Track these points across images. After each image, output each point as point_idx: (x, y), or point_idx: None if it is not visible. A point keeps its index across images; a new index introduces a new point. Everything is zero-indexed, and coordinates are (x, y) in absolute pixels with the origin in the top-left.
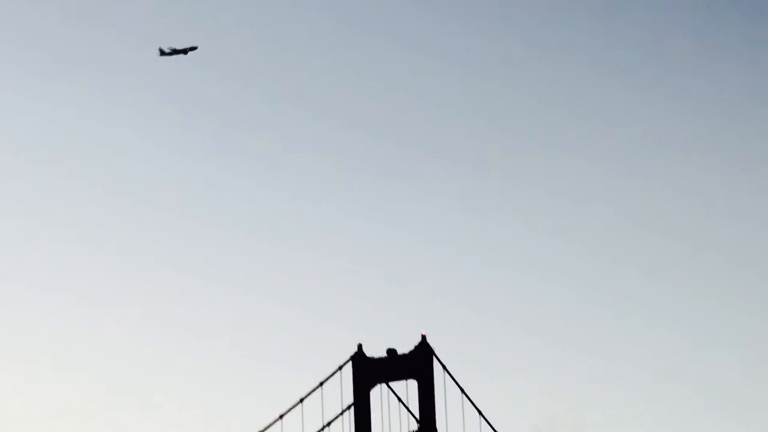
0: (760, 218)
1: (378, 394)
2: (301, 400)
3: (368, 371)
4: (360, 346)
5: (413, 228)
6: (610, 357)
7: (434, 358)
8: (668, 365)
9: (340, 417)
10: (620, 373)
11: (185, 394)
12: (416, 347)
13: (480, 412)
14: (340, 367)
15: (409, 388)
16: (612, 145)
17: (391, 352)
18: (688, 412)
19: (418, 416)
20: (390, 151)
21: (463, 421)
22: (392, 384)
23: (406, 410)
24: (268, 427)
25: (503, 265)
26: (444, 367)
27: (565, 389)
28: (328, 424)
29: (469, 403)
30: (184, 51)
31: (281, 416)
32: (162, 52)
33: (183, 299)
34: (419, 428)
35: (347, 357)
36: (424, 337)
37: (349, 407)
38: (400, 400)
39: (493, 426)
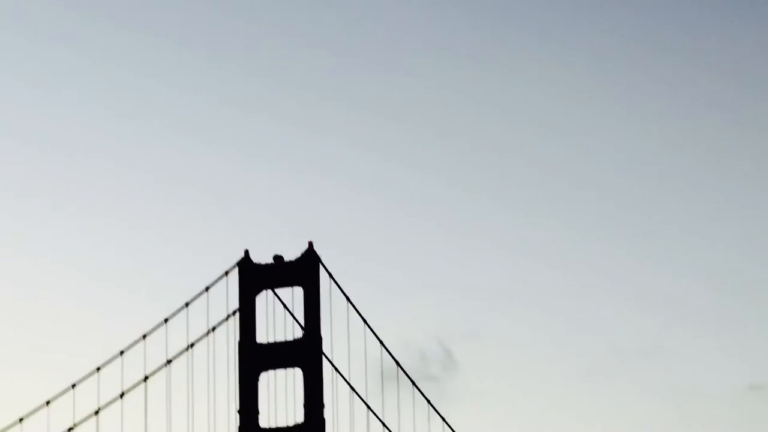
0: None
1: (264, 300)
2: (186, 305)
3: (254, 277)
4: (247, 252)
5: (302, 134)
6: (511, 267)
7: (321, 265)
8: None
9: (225, 322)
10: (524, 280)
11: (75, 296)
12: (303, 255)
13: (365, 321)
14: (227, 273)
15: (295, 295)
16: None
17: (277, 258)
18: None
19: (303, 323)
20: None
21: (348, 329)
22: (278, 291)
23: (291, 317)
24: (152, 330)
25: (393, 173)
26: (330, 275)
27: (464, 299)
28: (213, 329)
29: (355, 312)
30: None
31: (166, 320)
32: None
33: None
34: (303, 335)
35: (233, 263)
36: (311, 245)
37: (234, 313)
38: (285, 306)
39: (379, 336)
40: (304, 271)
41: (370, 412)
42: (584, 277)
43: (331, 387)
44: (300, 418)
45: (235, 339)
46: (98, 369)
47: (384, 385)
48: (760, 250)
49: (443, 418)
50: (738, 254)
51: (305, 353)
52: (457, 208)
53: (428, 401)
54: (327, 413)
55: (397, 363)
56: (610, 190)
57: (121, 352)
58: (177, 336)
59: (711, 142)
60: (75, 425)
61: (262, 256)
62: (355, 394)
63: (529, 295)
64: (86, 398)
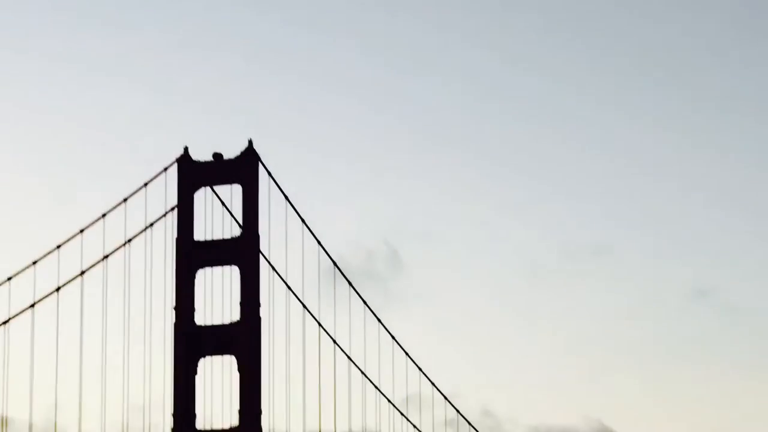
0: None
1: (202, 197)
2: (125, 200)
3: (193, 174)
4: (186, 149)
5: (244, 30)
6: (459, 168)
7: (260, 163)
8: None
9: (163, 218)
10: (473, 181)
11: (11, 189)
12: (242, 152)
13: (302, 220)
14: (165, 169)
15: (233, 193)
16: None
17: (217, 156)
18: None
19: (241, 222)
20: None
21: (286, 228)
22: (217, 188)
23: (229, 215)
24: (90, 224)
25: (340, 68)
26: (269, 173)
27: (412, 200)
28: (151, 224)
29: (293, 210)
30: None
31: (104, 215)
32: None
33: None
34: (241, 233)
35: (173, 159)
36: (250, 143)
37: (172, 209)
38: (223, 204)
39: (318, 236)
40: (243, 168)
41: (306, 311)
42: (533, 177)
43: (268, 286)
44: (236, 316)
45: (172, 236)
46: (34, 263)
47: (325, 285)
48: (714, 157)
49: (378, 319)
50: (691, 161)
51: (242, 251)
52: (405, 107)
53: (364, 301)
54: (263, 312)
55: (334, 263)
56: (564, 94)
57: (58, 247)
58: (115, 231)
59: None
60: (10, 319)
61: (201, 154)
62: (291, 293)
63: (478, 196)
64: (22, 293)
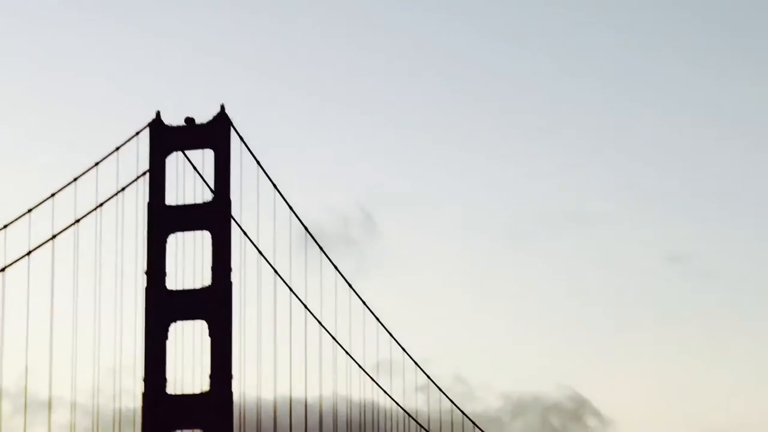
0: None
1: (174, 162)
2: (96, 164)
3: (165, 139)
4: (158, 114)
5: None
6: (434, 132)
7: (232, 128)
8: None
9: (135, 183)
10: (447, 145)
11: None
12: (214, 117)
13: (275, 186)
14: (137, 133)
15: (205, 158)
16: None
17: (189, 120)
18: None
19: (213, 187)
20: None
21: (258, 193)
22: (189, 153)
23: (201, 180)
24: (61, 188)
25: (308, 38)
26: (241, 138)
27: (388, 165)
28: (123, 189)
29: (265, 176)
30: None
31: (75, 179)
32: None
33: None
34: (213, 198)
35: (145, 124)
36: (222, 108)
37: (144, 174)
38: (195, 169)
39: (288, 200)
40: (214, 133)
41: (278, 277)
42: (508, 143)
43: (240, 251)
44: (207, 281)
45: (144, 200)
46: (5, 227)
47: (298, 250)
48: (685, 121)
49: (349, 284)
50: (664, 126)
51: (214, 216)
52: (380, 72)
53: (335, 267)
54: (234, 277)
55: (305, 228)
56: (536, 64)
57: (29, 211)
58: (86, 195)
59: None
60: None
61: (173, 118)
62: (263, 258)
63: (454, 162)
64: None
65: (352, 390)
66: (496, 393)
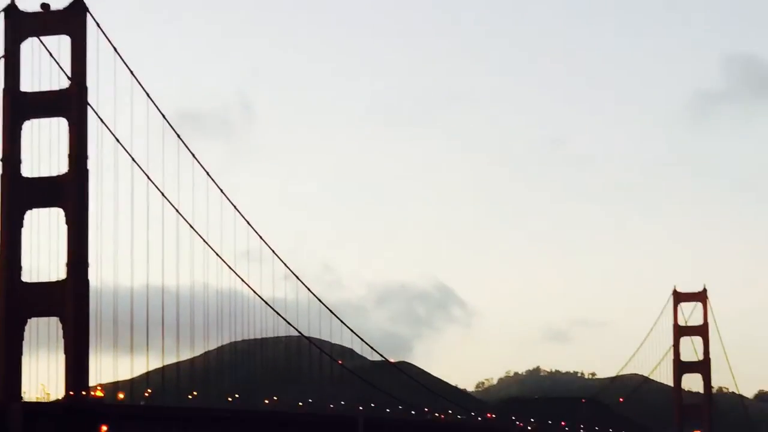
0: None
1: (29, 48)
2: None
3: (20, 24)
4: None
5: None
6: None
7: (88, 14)
8: None
9: None
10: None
11: None
12: (70, 3)
13: (131, 72)
14: None
15: (62, 45)
16: None
17: (44, 6)
18: None
19: (69, 73)
20: None
21: (115, 80)
22: (45, 39)
23: (57, 66)
24: None
25: None
26: (97, 25)
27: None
28: None
29: (121, 62)
30: None
31: None
32: None
33: None
34: (69, 85)
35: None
36: None
37: None
38: (51, 55)
39: (149, 87)
40: (70, 19)
41: (135, 164)
42: (382, 26)
43: (97, 139)
44: (63, 168)
45: None
46: None
47: (159, 140)
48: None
49: (207, 173)
50: (547, 17)
51: (70, 103)
52: None
53: (192, 155)
54: (91, 164)
55: (163, 116)
56: None
57: None
58: None
59: None
60: None
61: (29, 4)
62: (120, 146)
63: (330, 44)
64: None
65: (210, 278)
66: (361, 282)
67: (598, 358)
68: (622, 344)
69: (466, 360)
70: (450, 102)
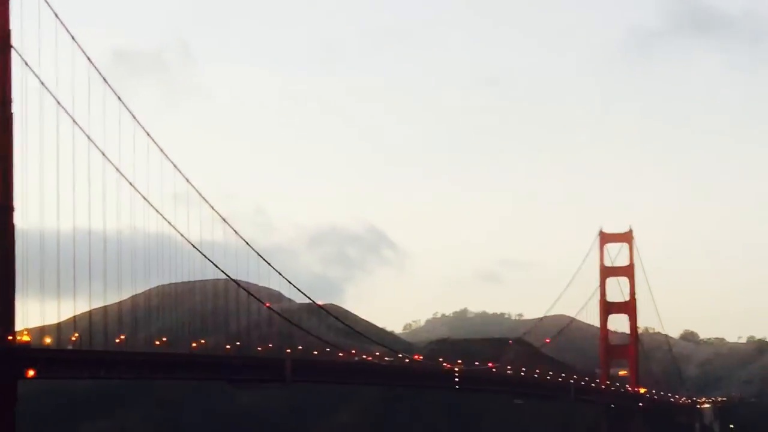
0: None
1: None
2: None
3: None
4: None
5: None
6: None
7: None
8: None
9: None
10: None
11: None
12: None
13: (55, 14)
14: None
15: None
16: None
17: None
18: None
19: None
20: None
21: (39, 22)
22: None
23: None
24: None
25: None
26: None
27: None
28: None
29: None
30: None
31: None
32: None
33: None
34: None
35: None
36: None
37: None
38: None
39: (73, 30)
40: None
41: (60, 107)
42: None
43: (21, 82)
44: None
45: None
46: None
47: (86, 84)
48: None
49: (134, 116)
50: None
51: None
52: None
53: (119, 98)
54: (15, 108)
55: (88, 58)
56: None
57: None
58: None
59: None
60: None
61: None
62: (45, 89)
63: None
64: None
65: (143, 222)
66: (294, 225)
67: (527, 299)
68: (549, 285)
69: (395, 302)
70: (386, 42)
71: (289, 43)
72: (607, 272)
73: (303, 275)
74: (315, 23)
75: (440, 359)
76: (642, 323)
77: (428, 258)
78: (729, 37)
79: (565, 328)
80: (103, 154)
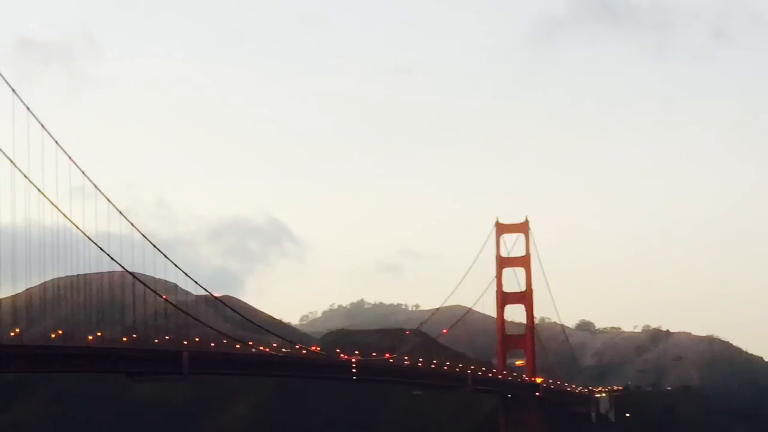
0: None
1: None
2: None
3: None
4: None
5: None
6: None
7: None
8: None
9: None
10: None
11: None
12: None
13: None
14: None
15: None
16: None
17: None
18: None
19: None
20: None
21: None
22: None
23: None
24: None
25: None
26: None
27: None
28: None
29: None
30: None
31: None
32: None
33: None
34: None
35: None
36: None
37: None
38: None
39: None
40: None
41: None
42: None
43: None
44: None
45: None
46: None
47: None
48: None
49: (28, 108)
50: None
51: None
52: None
53: (13, 90)
54: None
55: None
56: None
57: None
58: None
59: None
60: None
61: None
62: None
63: None
64: None
65: (38, 215)
66: (196, 217)
67: (424, 290)
68: (447, 276)
69: (294, 294)
70: (292, 31)
71: (195, 34)
72: (503, 262)
73: (203, 267)
74: (221, 13)
75: (337, 350)
76: (538, 313)
77: (329, 250)
78: (635, 26)
79: (461, 318)
80: None
